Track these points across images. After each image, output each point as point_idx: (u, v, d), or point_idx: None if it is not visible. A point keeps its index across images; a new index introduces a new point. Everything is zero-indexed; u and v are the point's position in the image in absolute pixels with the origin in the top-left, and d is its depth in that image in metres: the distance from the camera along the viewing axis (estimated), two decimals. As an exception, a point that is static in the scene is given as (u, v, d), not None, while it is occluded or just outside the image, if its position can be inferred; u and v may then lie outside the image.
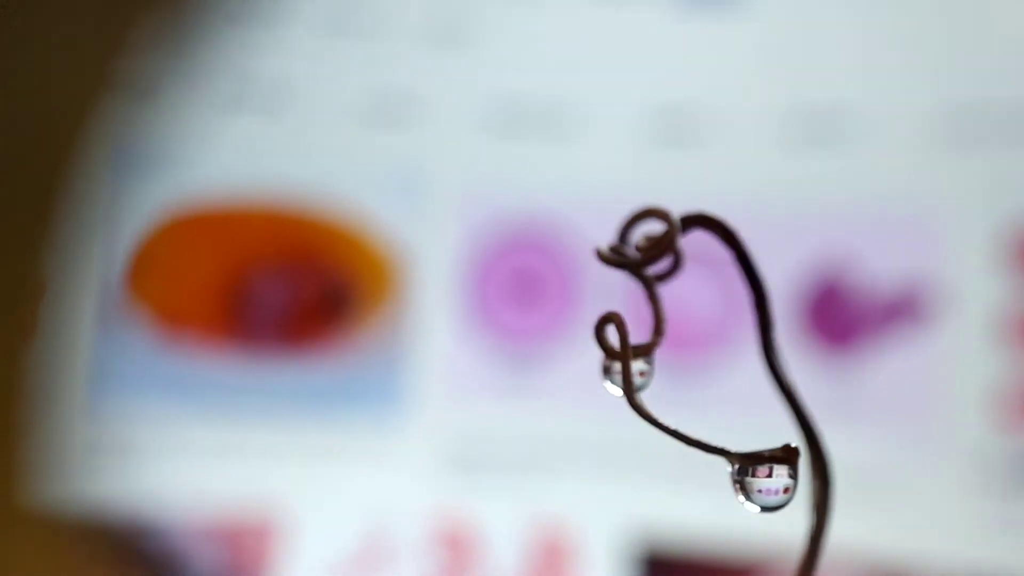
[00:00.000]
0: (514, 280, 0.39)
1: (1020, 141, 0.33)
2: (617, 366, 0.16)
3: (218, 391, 0.40)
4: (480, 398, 0.38)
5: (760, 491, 0.15)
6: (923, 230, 0.34)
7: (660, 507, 0.37)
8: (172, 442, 0.41)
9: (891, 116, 0.35)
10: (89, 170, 0.39)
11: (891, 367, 0.34)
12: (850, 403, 0.35)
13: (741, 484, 0.15)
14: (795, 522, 0.38)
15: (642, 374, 0.16)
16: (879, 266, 0.35)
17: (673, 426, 0.16)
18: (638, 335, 0.17)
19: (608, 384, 0.17)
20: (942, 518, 0.34)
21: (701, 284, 0.36)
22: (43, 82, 0.40)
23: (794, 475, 0.15)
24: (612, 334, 0.16)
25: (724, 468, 0.44)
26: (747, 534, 0.36)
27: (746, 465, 0.15)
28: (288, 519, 0.41)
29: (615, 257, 0.17)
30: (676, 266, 0.17)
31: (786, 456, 0.15)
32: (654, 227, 0.17)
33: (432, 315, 0.39)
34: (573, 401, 0.37)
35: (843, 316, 0.35)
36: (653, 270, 0.17)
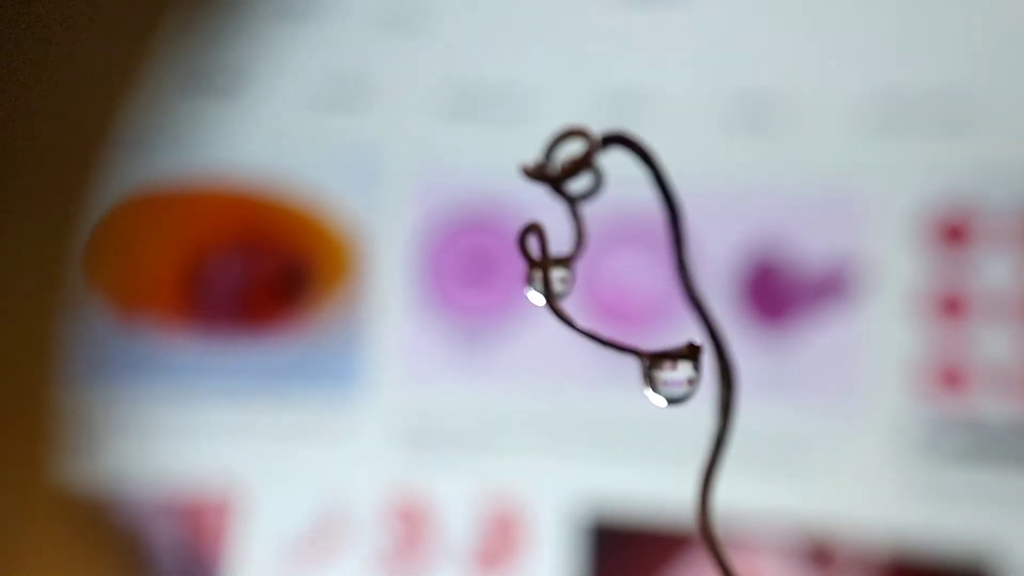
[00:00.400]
0: (467, 260, 0.40)
1: (940, 127, 0.35)
2: (539, 274, 0.18)
3: (176, 371, 0.41)
4: (433, 376, 0.39)
5: (665, 383, 0.17)
6: (850, 211, 0.36)
7: (608, 480, 0.38)
8: (130, 421, 0.41)
9: (821, 102, 0.36)
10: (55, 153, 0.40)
11: (819, 341, 0.36)
12: (781, 376, 0.36)
13: (650, 378, 0.17)
14: (739, 495, 0.40)
15: (563, 281, 0.18)
16: (810, 245, 0.36)
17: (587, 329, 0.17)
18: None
19: (531, 292, 0.18)
20: (865, 485, 0.35)
21: (642, 265, 0.38)
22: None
23: (696, 369, 0.17)
24: (535, 245, 0.18)
25: (670, 442, 0.45)
26: (691, 505, 0.37)
27: (654, 361, 0.17)
28: (246, 497, 0.41)
29: (538, 173, 0.18)
30: (597, 184, 0.18)
31: (689, 352, 0.17)
32: (578, 149, 0.19)
33: (387, 294, 0.41)
34: (524, 378, 0.39)
35: (776, 293, 0.37)
36: (575, 188, 0.18)
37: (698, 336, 0.18)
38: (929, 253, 0.35)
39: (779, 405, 0.36)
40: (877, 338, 0.35)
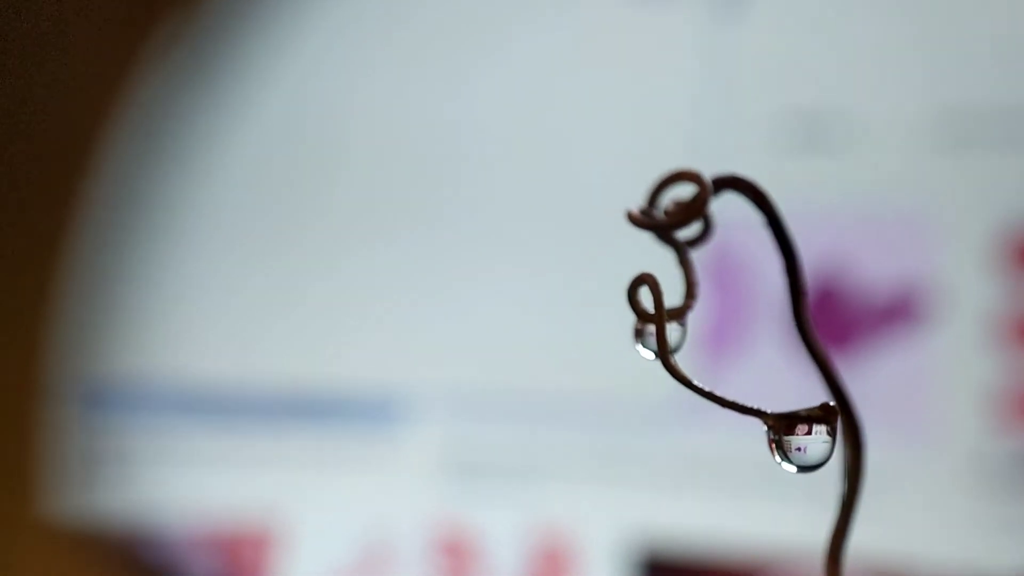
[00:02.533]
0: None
1: (1013, 143, 0.34)
2: (651, 328, 0.16)
3: (216, 402, 0.40)
4: (479, 405, 0.38)
5: (798, 449, 0.15)
6: (918, 232, 0.34)
7: (659, 512, 0.37)
8: (170, 453, 0.40)
9: (887, 119, 0.35)
10: (98, 181, 0.39)
11: (887, 369, 0.34)
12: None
13: (778, 443, 0.15)
14: (792, 527, 0.38)
15: (677, 334, 0.16)
16: (875, 269, 0.35)
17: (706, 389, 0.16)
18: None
19: (640, 347, 0.17)
20: (938, 519, 0.34)
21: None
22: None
23: (832, 433, 0.15)
24: (645, 297, 0.16)
25: (723, 473, 0.44)
26: (746, 538, 0.36)
27: (782, 425, 0.15)
28: (286, 529, 0.40)
29: (645, 220, 0.16)
30: (707, 230, 0.17)
31: (824, 415, 0.15)
32: (685, 191, 0.17)
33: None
34: (572, 408, 0.37)
35: (840, 318, 0.35)
36: (684, 235, 0.17)
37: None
38: (1005, 276, 0.34)
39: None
40: (951, 366, 0.34)
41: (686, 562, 0.36)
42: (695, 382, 0.16)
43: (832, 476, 0.35)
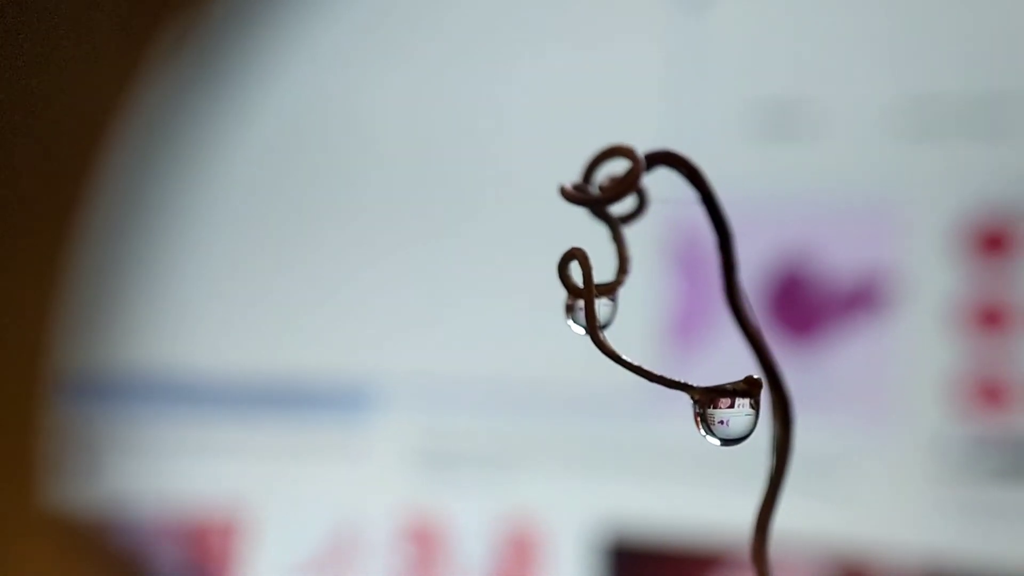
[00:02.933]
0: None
1: (974, 133, 0.34)
2: (580, 303, 0.16)
3: (183, 391, 0.40)
4: (448, 395, 0.38)
5: (721, 422, 0.15)
6: (881, 221, 0.35)
7: (629, 500, 0.37)
8: (138, 441, 0.40)
9: (852, 108, 0.35)
10: (100, 189, 0.39)
11: (851, 355, 0.35)
12: (811, 391, 0.35)
13: (703, 417, 0.15)
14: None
15: (606, 310, 0.16)
16: (840, 255, 0.35)
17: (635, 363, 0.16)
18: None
19: (571, 322, 0.17)
20: (900, 504, 0.34)
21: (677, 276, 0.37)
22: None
23: (755, 406, 0.15)
24: (575, 272, 0.16)
25: (692, 461, 0.44)
26: (711, 525, 0.36)
27: (708, 397, 0.15)
28: (254, 518, 0.40)
29: (578, 195, 0.17)
30: (641, 206, 0.17)
31: (748, 388, 0.15)
32: (620, 167, 0.17)
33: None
34: (540, 397, 0.37)
35: (804, 305, 0.35)
36: (617, 210, 0.17)
37: (750, 366, 0.17)
38: (966, 263, 0.34)
39: (811, 422, 0.35)
40: (912, 352, 0.34)
41: (655, 550, 0.36)
42: (623, 357, 0.16)
43: (811, 462, 0.36)
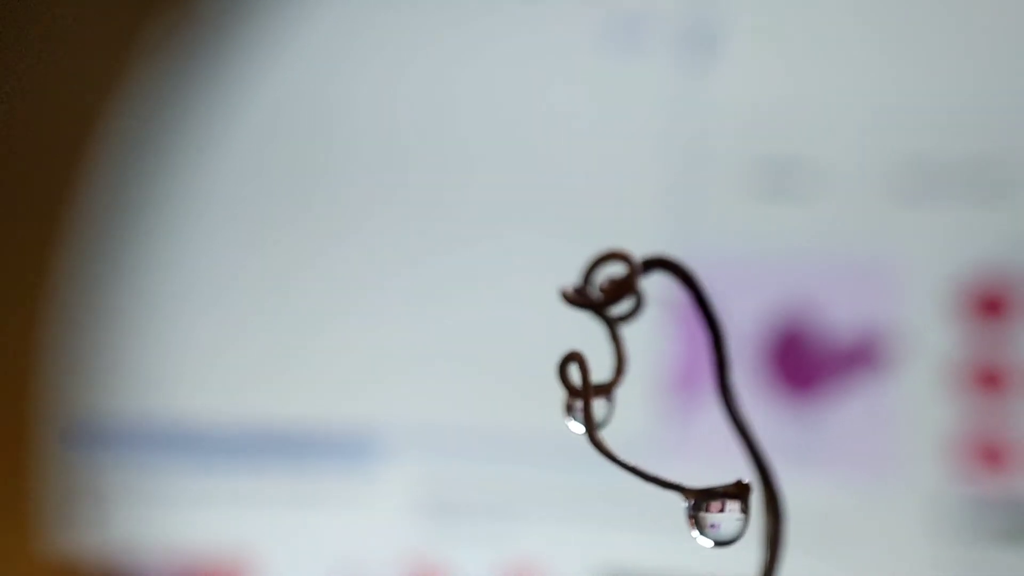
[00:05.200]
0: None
1: (972, 194, 0.35)
2: (579, 404, 0.17)
3: (189, 439, 0.40)
4: (453, 442, 0.39)
5: (712, 526, 0.16)
6: (880, 280, 0.35)
7: (629, 550, 0.37)
8: (143, 489, 0.41)
9: (851, 168, 0.36)
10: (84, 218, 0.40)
11: (850, 413, 0.35)
12: (810, 448, 0.35)
13: (695, 519, 0.16)
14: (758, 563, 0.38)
15: (605, 410, 0.17)
16: (838, 314, 0.35)
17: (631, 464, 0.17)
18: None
19: (571, 422, 0.17)
20: (899, 564, 0.34)
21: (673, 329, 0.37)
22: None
23: (745, 510, 0.16)
24: (575, 373, 0.17)
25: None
26: (711, 576, 0.36)
27: (700, 500, 0.16)
28: (260, 565, 0.40)
29: (579, 298, 0.17)
30: (638, 307, 0.18)
31: (738, 492, 0.16)
32: (618, 269, 0.18)
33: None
34: (548, 445, 0.38)
35: (804, 362, 0.36)
36: (615, 311, 0.18)
37: (744, 468, 0.18)
38: (964, 324, 0.35)
39: (808, 479, 0.35)
40: (911, 412, 0.35)
41: (655, 598, 0.37)
42: (619, 457, 0.17)
43: (808, 521, 0.36)
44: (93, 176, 0.40)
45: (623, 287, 0.17)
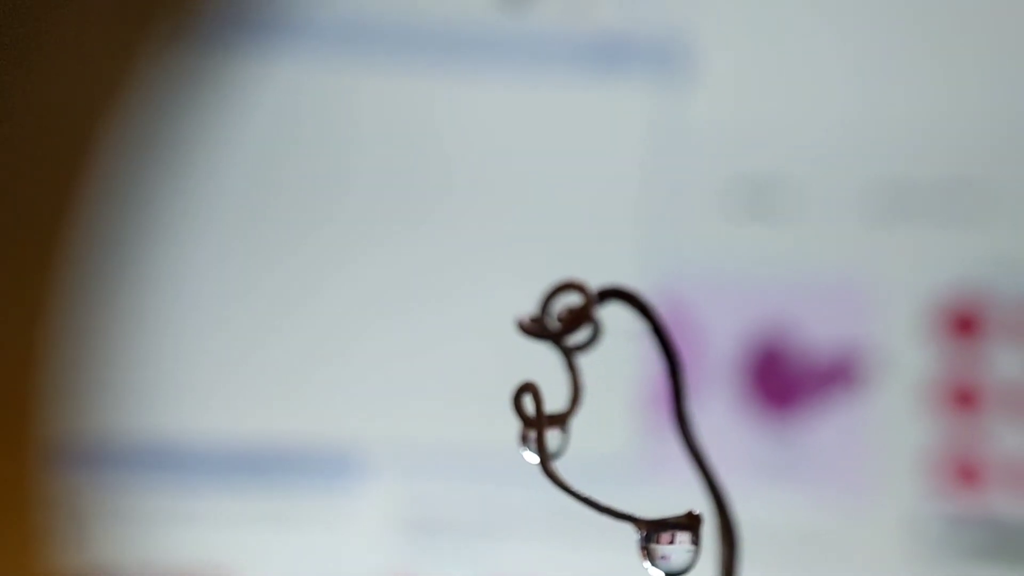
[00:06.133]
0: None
1: (947, 216, 0.35)
2: (533, 434, 0.17)
3: (168, 457, 0.40)
4: (434, 461, 0.39)
5: (663, 557, 0.16)
6: (856, 299, 0.35)
7: (610, 570, 0.37)
8: (120, 509, 0.41)
9: (827, 189, 0.36)
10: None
11: (827, 432, 0.35)
12: (787, 466, 0.35)
13: (647, 550, 0.16)
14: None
15: (559, 440, 0.17)
16: (815, 333, 0.36)
17: (585, 494, 0.17)
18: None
19: (525, 452, 0.17)
20: (877, 581, 0.34)
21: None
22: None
23: (696, 541, 0.16)
24: (529, 403, 0.17)
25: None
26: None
27: (651, 531, 0.16)
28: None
29: (535, 328, 0.17)
30: (595, 336, 0.18)
31: (689, 523, 0.16)
32: (576, 299, 0.18)
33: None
34: (531, 465, 0.38)
35: (781, 381, 0.36)
36: (572, 341, 0.18)
37: (698, 499, 0.18)
38: (940, 343, 0.35)
39: (786, 496, 0.35)
40: (888, 430, 0.35)
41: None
42: (572, 488, 0.17)
43: (785, 538, 0.36)
44: (92, 193, 0.40)
45: (578, 318, 0.17)
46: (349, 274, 0.40)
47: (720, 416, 0.36)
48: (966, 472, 0.34)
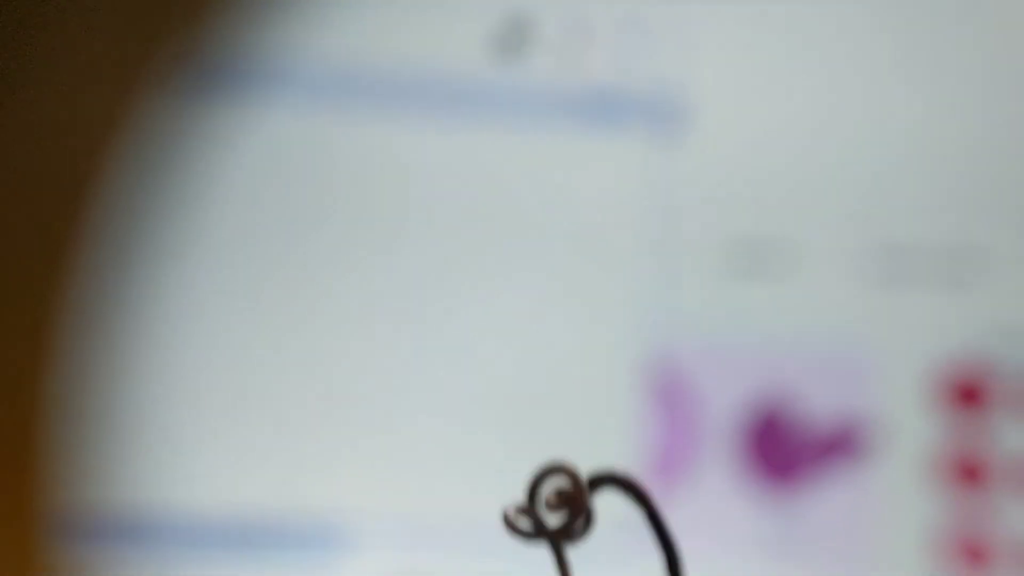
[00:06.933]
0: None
1: (951, 282, 0.34)
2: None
3: (153, 532, 0.40)
4: (423, 534, 0.38)
5: None
6: (857, 367, 0.34)
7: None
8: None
9: (829, 254, 0.35)
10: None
11: (829, 504, 0.34)
12: (788, 539, 0.35)
13: None
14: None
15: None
16: (817, 402, 0.35)
17: None
18: None
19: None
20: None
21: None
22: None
23: None
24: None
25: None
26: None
27: None
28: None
29: (525, 527, 0.16)
30: (588, 523, 0.17)
31: None
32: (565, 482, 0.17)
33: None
34: (513, 540, 0.37)
35: (782, 451, 0.35)
36: (561, 529, 0.17)
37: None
38: (944, 414, 0.34)
39: (786, 572, 0.34)
40: (891, 503, 0.34)
41: None
42: None
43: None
44: (82, 246, 0.39)
45: (573, 510, 0.16)
46: (339, 345, 0.38)
47: (719, 489, 0.35)
48: (972, 551, 0.33)
